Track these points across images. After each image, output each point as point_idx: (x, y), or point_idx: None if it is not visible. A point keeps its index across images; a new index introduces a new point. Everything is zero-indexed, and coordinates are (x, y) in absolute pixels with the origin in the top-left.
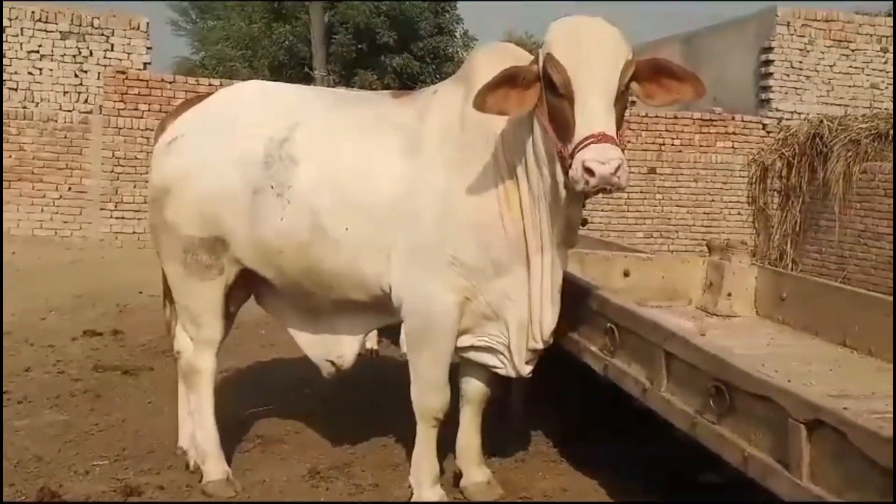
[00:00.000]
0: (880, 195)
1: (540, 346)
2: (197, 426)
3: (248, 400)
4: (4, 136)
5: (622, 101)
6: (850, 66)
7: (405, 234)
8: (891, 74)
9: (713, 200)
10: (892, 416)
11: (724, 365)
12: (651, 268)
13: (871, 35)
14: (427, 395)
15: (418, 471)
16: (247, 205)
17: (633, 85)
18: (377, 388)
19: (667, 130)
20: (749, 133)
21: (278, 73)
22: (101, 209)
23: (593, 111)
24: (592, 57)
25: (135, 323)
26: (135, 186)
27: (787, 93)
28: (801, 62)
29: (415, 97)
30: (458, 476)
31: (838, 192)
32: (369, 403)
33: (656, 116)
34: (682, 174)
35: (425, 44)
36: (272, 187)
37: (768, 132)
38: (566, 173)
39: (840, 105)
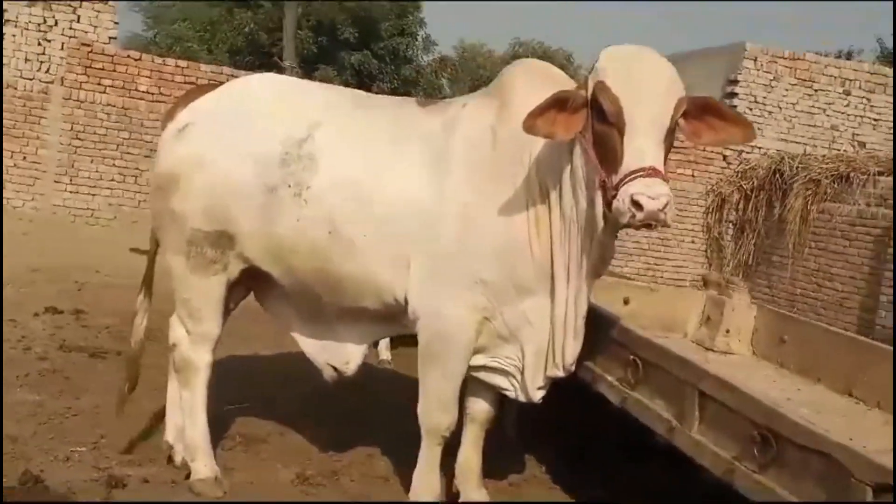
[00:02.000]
0: (837, 236)
1: (561, 373)
2: (188, 422)
3: (225, 395)
4: None
5: (671, 137)
6: (812, 106)
7: (426, 247)
8: (851, 117)
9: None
10: None
11: (774, 414)
12: (651, 297)
13: (834, 77)
14: (435, 413)
15: (420, 488)
16: (259, 201)
17: (680, 121)
18: (358, 390)
19: None
20: (709, 162)
21: (236, 59)
22: (56, 182)
23: (644, 145)
24: (647, 90)
25: (95, 303)
26: (91, 161)
27: None
28: (765, 97)
29: (442, 108)
30: (455, 495)
31: (794, 229)
32: (350, 406)
33: None
34: None
35: (386, 44)
36: (289, 186)
37: (728, 164)
38: (608, 203)
39: (800, 143)
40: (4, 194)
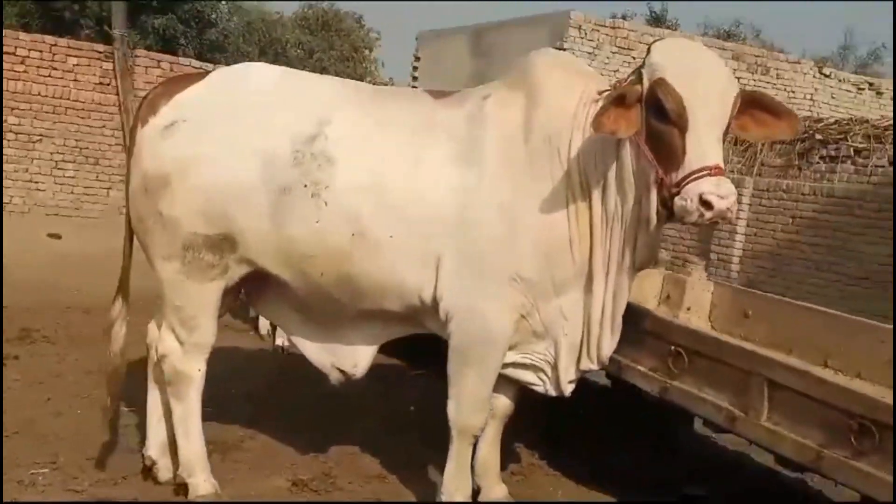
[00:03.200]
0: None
1: (595, 367)
2: (182, 437)
3: None
4: None
5: (726, 134)
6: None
7: (463, 246)
8: None
9: None
10: None
11: (876, 404)
12: None
13: (650, 44)
14: (469, 413)
15: (452, 487)
16: (268, 203)
17: None
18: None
19: None
20: None
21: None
22: None
23: (708, 143)
24: (710, 88)
25: None
26: None
27: None
28: (589, 65)
29: (459, 100)
30: (475, 492)
31: None
32: (305, 403)
33: None
34: None
35: (190, 7)
36: (305, 186)
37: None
38: (663, 201)
39: None
40: None
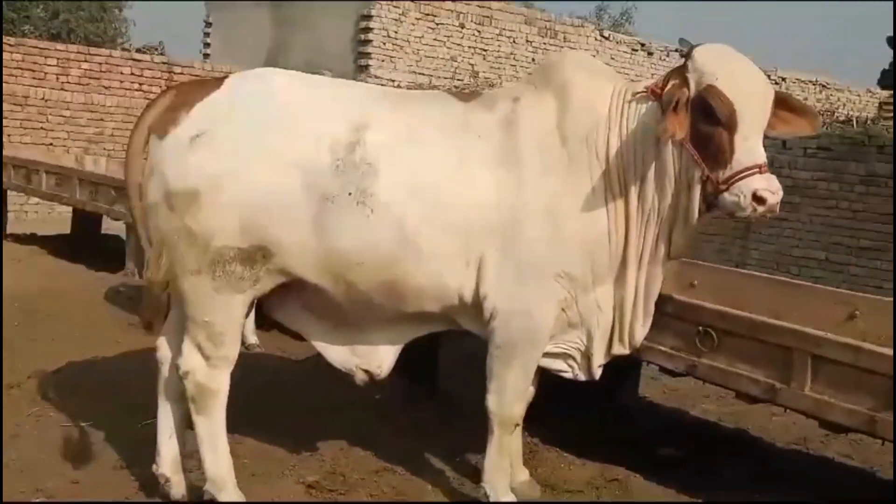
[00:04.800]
0: None
1: (626, 352)
2: (209, 453)
3: (136, 410)
4: None
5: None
6: (435, 39)
7: (505, 247)
8: (466, 49)
9: None
10: None
11: None
12: None
13: (451, 11)
14: (513, 405)
15: (495, 476)
16: (310, 213)
17: None
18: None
19: None
20: None
21: None
22: None
23: (755, 143)
24: (755, 92)
25: None
26: None
27: (383, 60)
28: (395, 32)
29: (487, 102)
30: None
31: None
32: (278, 402)
33: None
34: None
35: None
36: (350, 195)
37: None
38: (705, 197)
39: (426, 75)
40: None
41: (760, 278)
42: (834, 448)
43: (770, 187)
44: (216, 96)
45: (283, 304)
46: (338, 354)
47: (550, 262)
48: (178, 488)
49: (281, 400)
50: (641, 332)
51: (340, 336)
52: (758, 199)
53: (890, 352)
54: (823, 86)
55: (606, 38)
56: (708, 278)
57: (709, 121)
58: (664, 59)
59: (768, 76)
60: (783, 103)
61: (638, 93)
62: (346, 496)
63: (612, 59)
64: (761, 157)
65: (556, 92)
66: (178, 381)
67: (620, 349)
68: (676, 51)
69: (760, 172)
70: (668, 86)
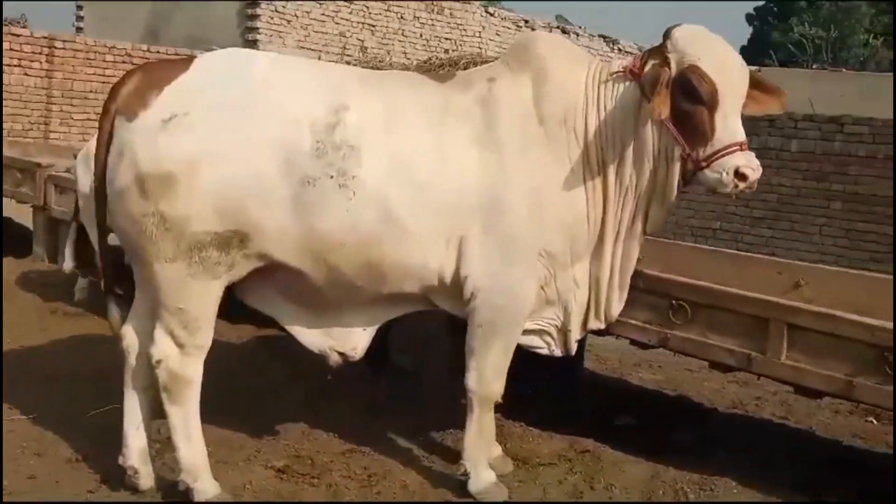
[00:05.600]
0: None
1: (602, 326)
2: (182, 441)
3: (81, 400)
4: None
5: None
6: (323, 14)
7: (487, 226)
8: (355, 24)
9: None
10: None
11: None
12: None
13: None
14: (493, 382)
15: (475, 453)
16: (290, 195)
17: None
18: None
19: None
20: None
21: None
22: None
23: (735, 122)
24: (734, 73)
25: None
26: None
27: (272, 35)
28: (284, 7)
29: (462, 82)
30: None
31: None
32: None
33: (158, 52)
34: None
35: None
36: (332, 177)
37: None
38: (684, 174)
39: (316, 50)
40: None
41: (706, 251)
42: (768, 410)
43: (751, 164)
44: (188, 77)
45: (255, 289)
46: (312, 338)
47: (532, 240)
48: (146, 480)
49: (229, 385)
50: (617, 306)
51: (315, 319)
52: (740, 175)
53: (866, 320)
54: None
55: (492, 15)
56: (654, 253)
57: (691, 100)
58: None
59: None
60: (755, 83)
61: (614, 72)
62: (320, 479)
63: (497, 34)
64: (741, 135)
65: (533, 73)
66: (147, 370)
67: (597, 324)
68: (558, 27)
69: (741, 150)
70: (648, 66)
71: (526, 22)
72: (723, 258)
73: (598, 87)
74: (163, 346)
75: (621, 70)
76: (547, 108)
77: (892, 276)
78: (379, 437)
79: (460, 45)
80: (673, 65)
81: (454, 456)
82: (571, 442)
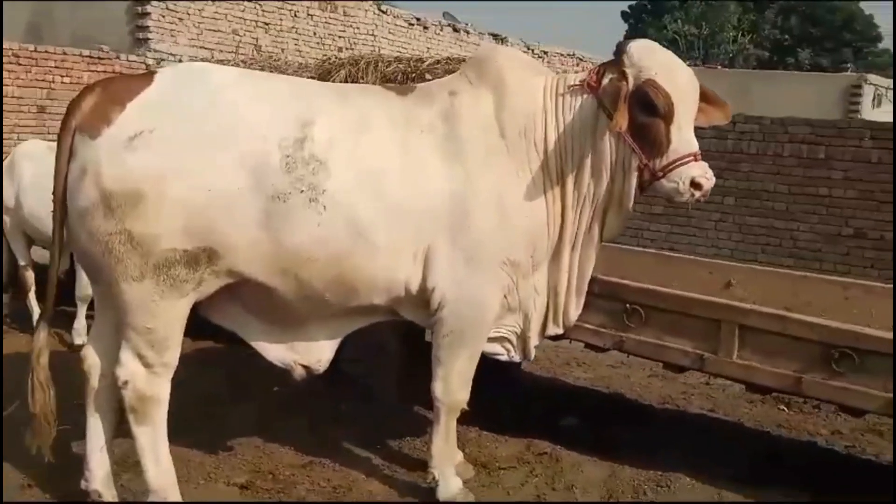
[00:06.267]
0: None
1: (561, 331)
2: (150, 462)
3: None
4: None
5: None
6: (216, 12)
7: (453, 237)
8: (249, 23)
9: None
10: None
11: (856, 336)
12: None
13: None
14: (459, 390)
15: (442, 461)
16: (259, 211)
17: None
18: None
19: (56, 67)
20: (134, 72)
21: None
22: None
23: (689, 133)
24: (688, 87)
25: None
26: None
27: (163, 34)
28: (175, 5)
29: (423, 96)
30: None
31: None
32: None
33: (45, 52)
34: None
35: None
36: (302, 192)
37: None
38: (641, 184)
39: (209, 49)
40: None
41: (643, 253)
42: (696, 403)
43: (706, 174)
44: (151, 92)
45: (219, 305)
46: (277, 352)
47: (497, 250)
48: (110, 500)
49: (174, 400)
50: (575, 312)
51: (280, 334)
52: (695, 185)
53: (814, 319)
54: (580, 59)
55: (384, 13)
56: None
57: (648, 112)
58: (438, 34)
59: (532, 50)
60: (703, 96)
61: (571, 85)
62: (286, 494)
63: (391, 32)
64: (695, 145)
65: (492, 87)
66: (110, 391)
67: (555, 329)
68: (449, 25)
69: (696, 160)
70: (606, 80)
71: (418, 20)
72: (660, 259)
73: (556, 100)
74: (130, 367)
75: (578, 83)
76: (507, 120)
77: (811, 275)
78: (337, 447)
79: (354, 43)
80: (630, 79)
81: (414, 463)
82: (528, 444)
